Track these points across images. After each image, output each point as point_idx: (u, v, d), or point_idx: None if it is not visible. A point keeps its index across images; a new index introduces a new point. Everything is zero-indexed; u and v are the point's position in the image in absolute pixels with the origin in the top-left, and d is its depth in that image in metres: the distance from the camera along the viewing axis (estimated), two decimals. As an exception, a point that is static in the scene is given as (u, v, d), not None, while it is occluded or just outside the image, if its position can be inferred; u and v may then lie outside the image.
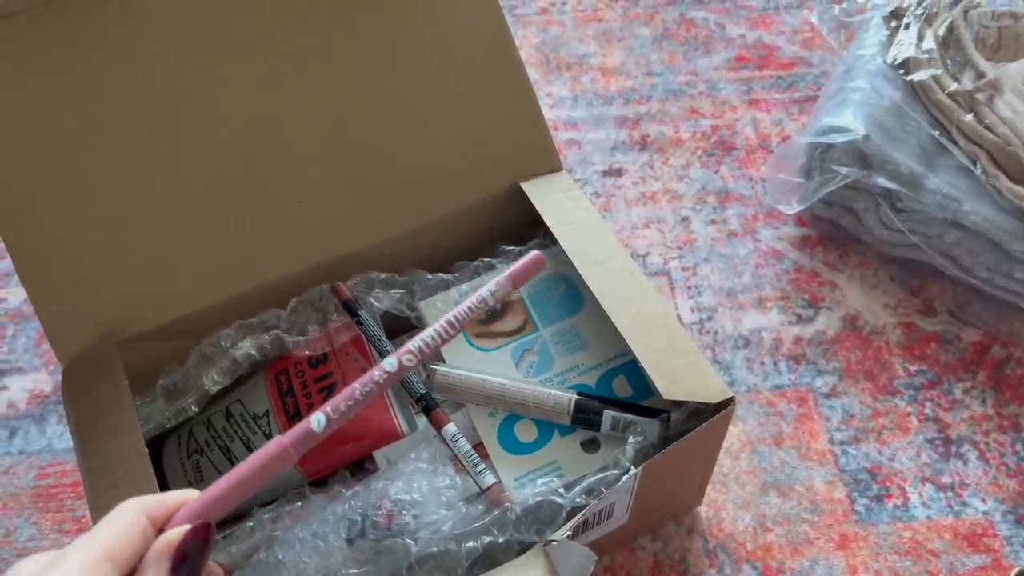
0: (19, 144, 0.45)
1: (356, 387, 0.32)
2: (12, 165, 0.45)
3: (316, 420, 0.31)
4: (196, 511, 0.28)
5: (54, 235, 0.45)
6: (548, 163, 0.53)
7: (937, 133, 0.62)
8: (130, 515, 0.27)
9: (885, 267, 0.65)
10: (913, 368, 0.60)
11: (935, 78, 0.63)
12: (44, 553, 0.27)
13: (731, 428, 0.57)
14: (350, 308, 0.49)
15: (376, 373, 0.32)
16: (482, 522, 0.43)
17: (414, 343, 0.33)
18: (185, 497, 0.29)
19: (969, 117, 0.61)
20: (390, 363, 0.33)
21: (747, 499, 0.55)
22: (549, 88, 0.79)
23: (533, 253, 0.35)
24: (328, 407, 0.31)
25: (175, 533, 0.27)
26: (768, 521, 0.54)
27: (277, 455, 0.30)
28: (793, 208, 0.65)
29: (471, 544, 0.42)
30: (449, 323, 0.34)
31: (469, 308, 0.34)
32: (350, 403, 0.32)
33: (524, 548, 0.42)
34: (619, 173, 0.72)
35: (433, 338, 0.33)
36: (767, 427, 0.58)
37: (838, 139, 0.61)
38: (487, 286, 0.34)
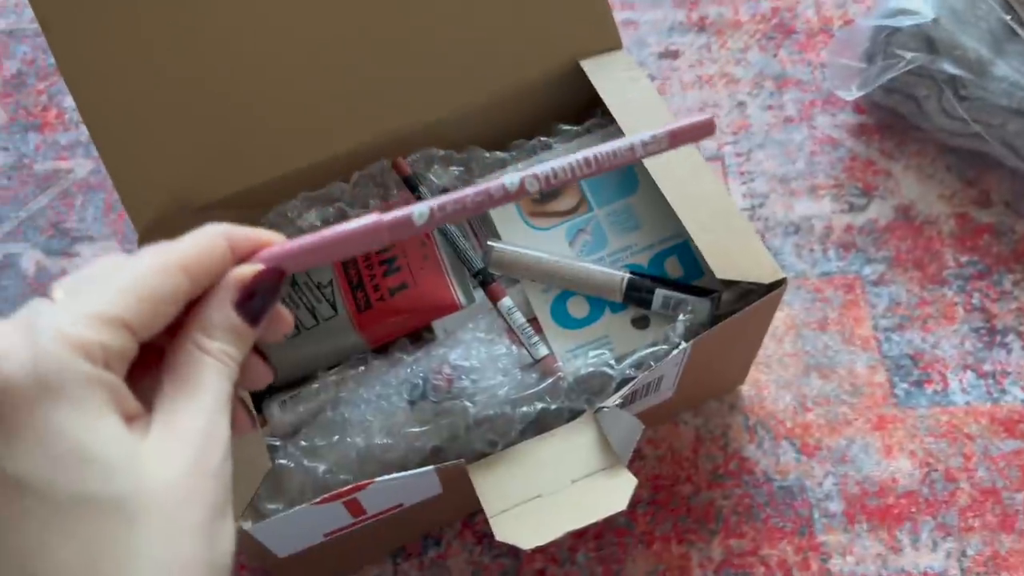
0: (92, 15, 0.45)
1: (469, 193, 0.28)
2: (85, 35, 0.45)
3: (419, 212, 0.28)
4: (275, 256, 0.27)
5: (128, 105, 0.47)
6: (607, 40, 0.52)
7: (1008, 17, 0.60)
8: (213, 238, 0.26)
9: (942, 157, 0.64)
10: (963, 259, 0.60)
11: (1012, -41, 0.61)
12: (123, 254, 0.26)
13: (776, 312, 0.58)
14: (410, 184, 0.50)
15: (492, 186, 0.29)
16: (535, 389, 0.45)
17: (541, 168, 0.29)
18: (270, 238, 0.27)
19: (1045, 1, 0.59)
20: (511, 180, 0.29)
21: (789, 380, 0.56)
22: (606, -35, 0.77)
23: (705, 116, 0.30)
24: (435, 203, 0.28)
25: (248, 269, 0.26)
26: (808, 401, 0.55)
27: (370, 230, 0.27)
28: (852, 94, 0.64)
29: (525, 409, 0.45)
30: (587, 160, 0.29)
31: (612, 152, 0.29)
32: (457, 207, 0.28)
33: (574, 415, 0.44)
34: (675, 55, 0.71)
35: (564, 169, 0.29)
36: (813, 312, 0.59)
37: (905, 22, 0.59)
38: (640, 135, 0.29)
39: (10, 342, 0.22)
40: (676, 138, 0.30)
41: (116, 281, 0.24)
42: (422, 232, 0.29)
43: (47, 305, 0.23)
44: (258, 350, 0.28)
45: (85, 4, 0.45)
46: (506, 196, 0.29)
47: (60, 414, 0.22)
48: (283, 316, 0.28)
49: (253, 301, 0.26)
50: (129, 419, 0.23)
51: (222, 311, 0.26)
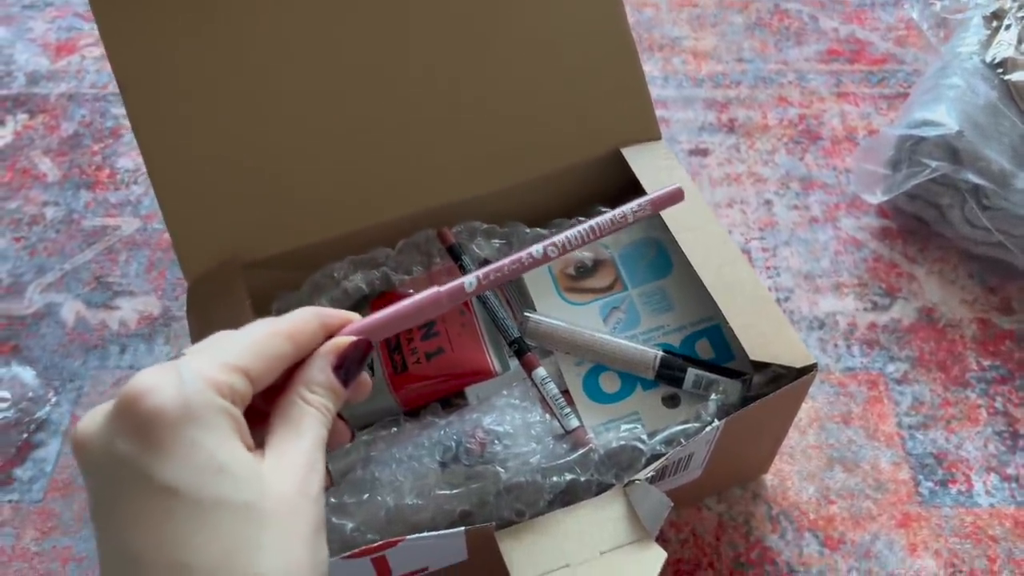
0: (166, 79, 0.48)
1: (505, 263, 0.36)
2: (158, 97, 0.48)
3: (468, 281, 0.35)
4: (360, 329, 0.33)
5: (191, 164, 0.49)
6: (648, 131, 0.55)
7: (1030, 134, 0.63)
8: (310, 315, 0.32)
9: (965, 264, 0.66)
10: (986, 363, 0.61)
11: (1032, 80, 0.64)
12: (234, 330, 0.31)
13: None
14: (454, 253, 0.51)
15: (523, 255, 0.36)
16: (566, 459, 0.45)
17: (558, 238, 0.37)
18: (351, 317, 0.34)
19: (1064, 120, 0.62)
20: (536, 250, 0.36)
21: (812, 471, 0.56)
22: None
23: (674, 185, 0.38)
24: (480, 273, 0.35)
25: (343, 340, 0.32)
26: (832, 494, 0.55)
27: (431, 299, 0.34)
28: (877, 198, 0.66)
29: (555, 479, 0.45)
30: (591, 228, 0.37)
31: (611, 220, 0.37)
32: (499, 274, 0.35)
33: (602, 488, 0.45)
34: (705, 153, 0.74)
35: (576, 237, 0.37)
36: (836, 406, 0.59)
37: (930, 132, 0.62)
38: (629, 205, 0.38)
39: (160, 379, 0.27)
40: (656, 204, 0.38)
41: (239, 340, 0.30)
42: (472, 296, 0.35)
43: (183, 358, 0.29)
44: (338, 414, 0.33)
45: (161, 69, 0.48)
46: (534, 262, 0.36)
47: (200, 434, 0.27)
48: (365, 380, 0.34)
49: (346, 366, 0.32)
50: (248, 448, 0.28)
51: (324, 372, 0.32)
